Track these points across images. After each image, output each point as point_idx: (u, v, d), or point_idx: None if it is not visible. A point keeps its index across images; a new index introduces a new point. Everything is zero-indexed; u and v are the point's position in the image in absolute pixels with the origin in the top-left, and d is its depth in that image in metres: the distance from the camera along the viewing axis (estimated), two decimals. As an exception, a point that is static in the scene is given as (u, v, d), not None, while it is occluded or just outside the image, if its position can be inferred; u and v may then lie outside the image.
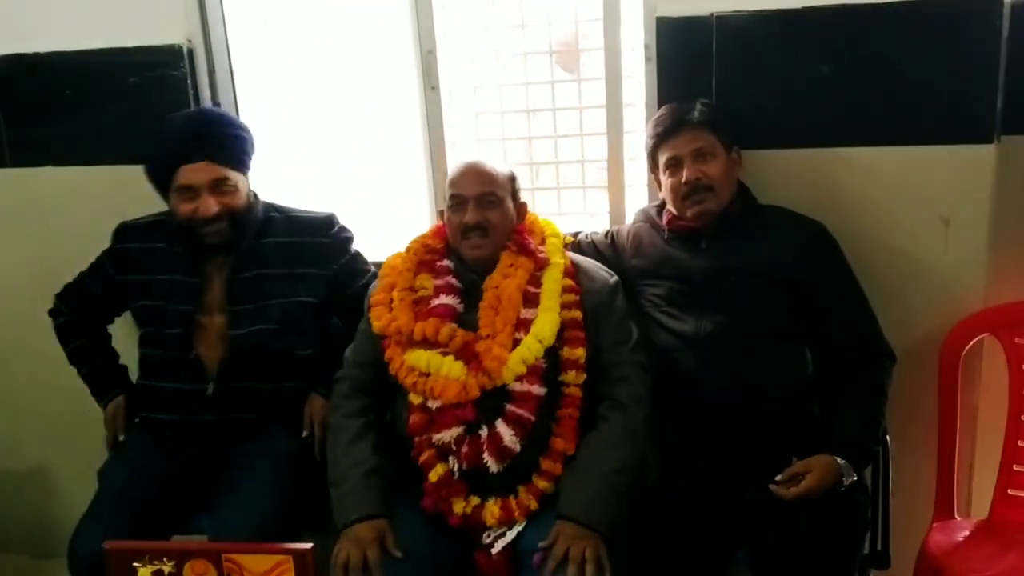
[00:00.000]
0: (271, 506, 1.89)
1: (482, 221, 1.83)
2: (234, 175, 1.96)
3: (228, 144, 1.97)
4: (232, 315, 2.00)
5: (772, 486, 1.75)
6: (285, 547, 1.39)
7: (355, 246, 2.16)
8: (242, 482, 1.94)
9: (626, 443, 1.80)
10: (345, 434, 1.86)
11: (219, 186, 1.93)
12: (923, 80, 1.95)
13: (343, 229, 2.14)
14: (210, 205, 1.92)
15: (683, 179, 1.92)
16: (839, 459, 1.76)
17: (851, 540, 1.78)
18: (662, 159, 1.97)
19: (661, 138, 1.97)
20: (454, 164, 1.96)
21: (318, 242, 2.08)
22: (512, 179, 1.91)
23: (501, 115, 2.46)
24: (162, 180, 1.96)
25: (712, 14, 2.02)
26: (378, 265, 1.99)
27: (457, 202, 1.85)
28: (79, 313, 2.16)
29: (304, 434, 2.04)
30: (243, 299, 2.01)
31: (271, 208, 2.11)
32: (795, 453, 1.79)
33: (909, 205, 2.02)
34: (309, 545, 1.37)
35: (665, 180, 1.98)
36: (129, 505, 1.91)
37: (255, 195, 2.08)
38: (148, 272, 2.05)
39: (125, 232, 2.11)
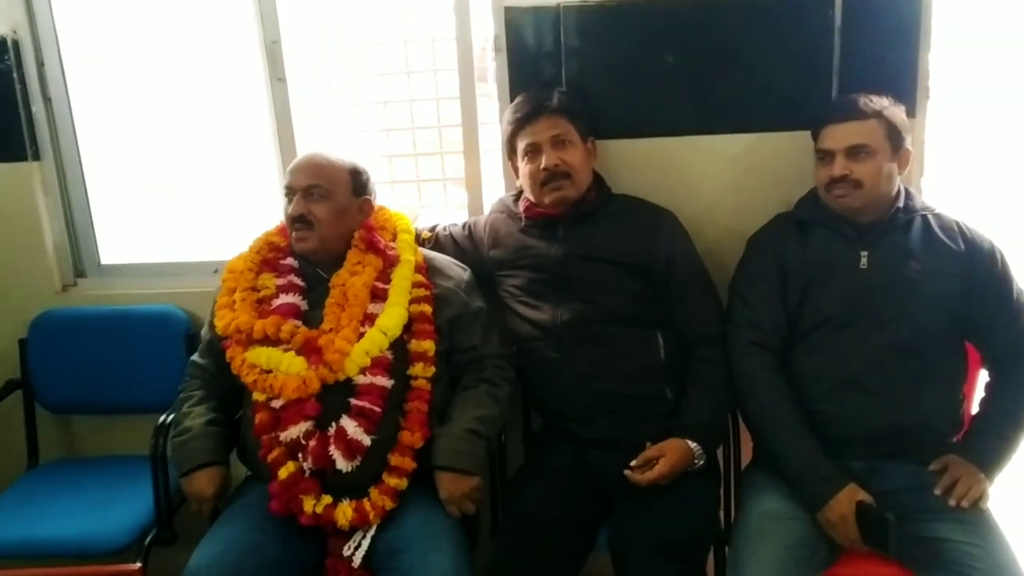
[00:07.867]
0: None
1: (305, 214, 1.80)
2: None
3: None
4: None
5: (627, 471, 1.78)
6: (112, 569, 1.31)
7: None
8: None
9: (490, 403, 1.85)
10: (186, 404, 1.85)
11: None
12: (763, 69, 2.01)
13: None
14: None
15: (542, 165, 1.91)
16: (691, 442, 1.80)
17: (704, 518, 1.83)
18: (520, 145, 1.96)
19: (520, 124, 1.95)
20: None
21: None
22: (353, 172, 1.87)
23: (356, 107, 2.40)
24: None
25: (559, 4, 2.02)
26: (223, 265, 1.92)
27: (287, 193, 1.84)
28: None
29: None
30: None
31: None
32: (650, 437, 1.82)
33: (754, 190, 2.08)
34: (137, 565, 1.30)
35: (523, 167, 1.97)
36: None
37: None
38: None
39: None
